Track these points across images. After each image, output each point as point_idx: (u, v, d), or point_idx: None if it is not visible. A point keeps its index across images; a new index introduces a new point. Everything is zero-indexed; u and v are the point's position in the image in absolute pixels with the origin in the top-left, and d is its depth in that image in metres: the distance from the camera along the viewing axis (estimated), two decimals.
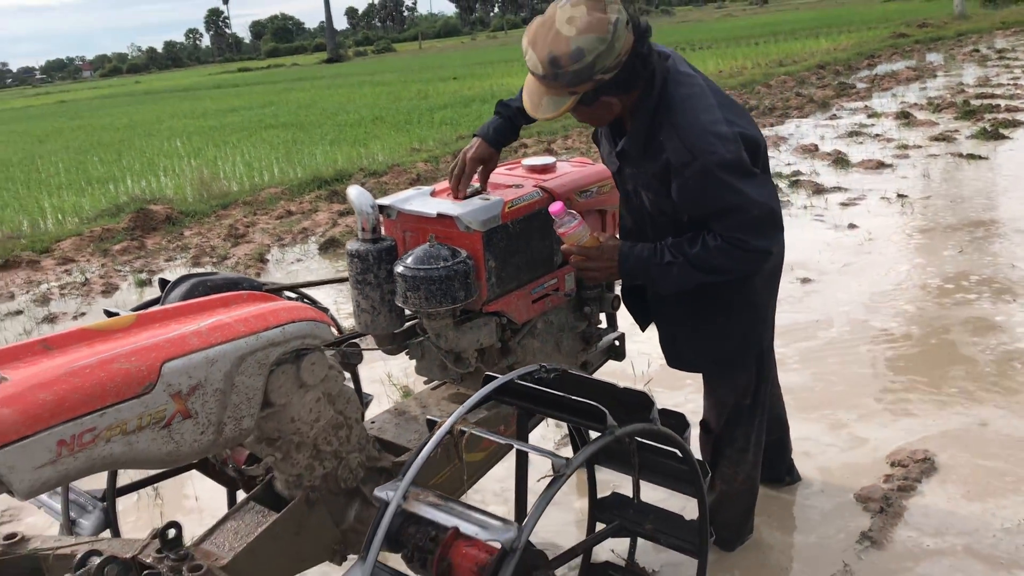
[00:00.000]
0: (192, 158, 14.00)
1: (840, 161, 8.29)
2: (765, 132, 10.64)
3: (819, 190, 7.24)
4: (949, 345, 4.02)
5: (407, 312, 2.55)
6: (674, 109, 2.24)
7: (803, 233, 6.09)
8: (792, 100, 13.20)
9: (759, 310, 2.56)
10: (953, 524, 2.70)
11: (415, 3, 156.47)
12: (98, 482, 3.05)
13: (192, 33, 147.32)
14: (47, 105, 45.79)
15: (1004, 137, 8.71)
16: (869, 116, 11.03)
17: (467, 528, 1.80)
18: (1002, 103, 10.76)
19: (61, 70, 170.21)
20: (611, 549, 2.67)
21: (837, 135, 9.92)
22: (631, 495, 2.49)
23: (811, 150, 9.04)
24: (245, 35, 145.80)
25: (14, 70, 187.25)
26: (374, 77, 32.34)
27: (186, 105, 28.87)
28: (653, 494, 2.38)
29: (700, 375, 2.72)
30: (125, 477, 2.77)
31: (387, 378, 4.17)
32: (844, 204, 6.75)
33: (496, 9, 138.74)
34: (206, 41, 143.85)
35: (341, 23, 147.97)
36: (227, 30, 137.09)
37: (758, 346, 2.58)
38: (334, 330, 2.36)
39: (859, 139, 9.49)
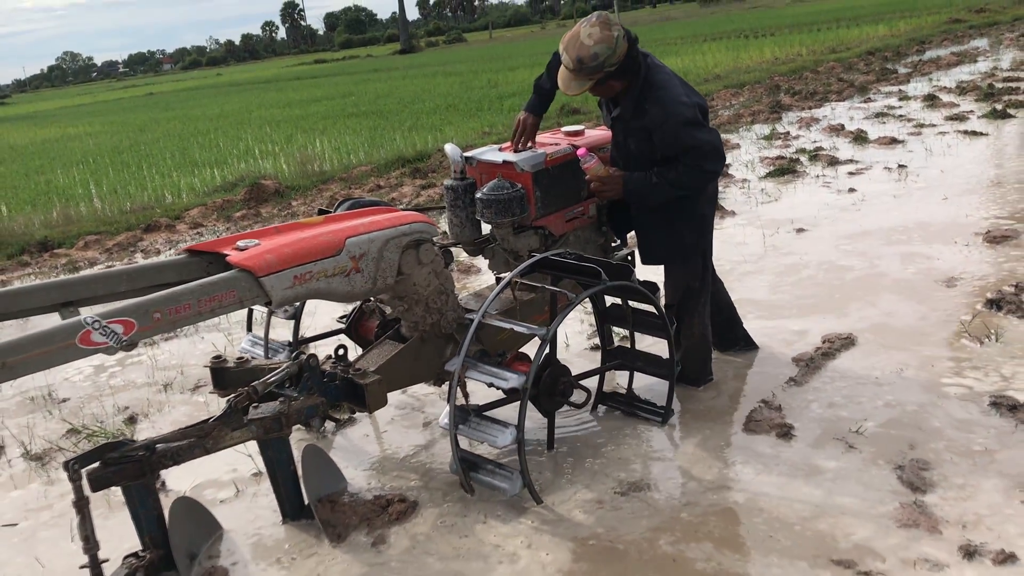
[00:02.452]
0: (285, 143, 15.55)
1: (859, 138, 9.41)
2: (801, 115, 11.75)
3: (833, 162, 8.40)
4: (888, 271, 5.22)
5: (483, 227, 3.90)
6: (654, 87, 3.58)
7: (809, 196, 7.29)
8: (834, 85, 14.22)
9: (704, 220, 3.85)
10: (849, 372, 3.95)
11: None
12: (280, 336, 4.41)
13: (268, 26, 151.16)
14: (137, 97, 48.35)
15: (1010, 116, 9.71)
16: (900, 99, 12.04)
17: (519, 328, 3.15)
18: (1023, 86, 11.69)
19: (143, 63, 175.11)
20: (617, 383, 3.98)
21: (865, 116, 10.99)
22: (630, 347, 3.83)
23: (837, 129, 10.16)
24: (319, 27, 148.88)
25: (99, 64, 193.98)
26: (446, 67, 33.79)
27: (270, 96, 30.67)
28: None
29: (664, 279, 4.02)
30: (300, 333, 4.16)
31: None
32: (851, 173, 7.91)
33: None
34: (281, 33, 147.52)
35: (412, 13, 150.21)
36: (302, 22, 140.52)
37: (703, 244, 3.87)
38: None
39: (883, 120, 10.55)
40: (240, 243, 3.09)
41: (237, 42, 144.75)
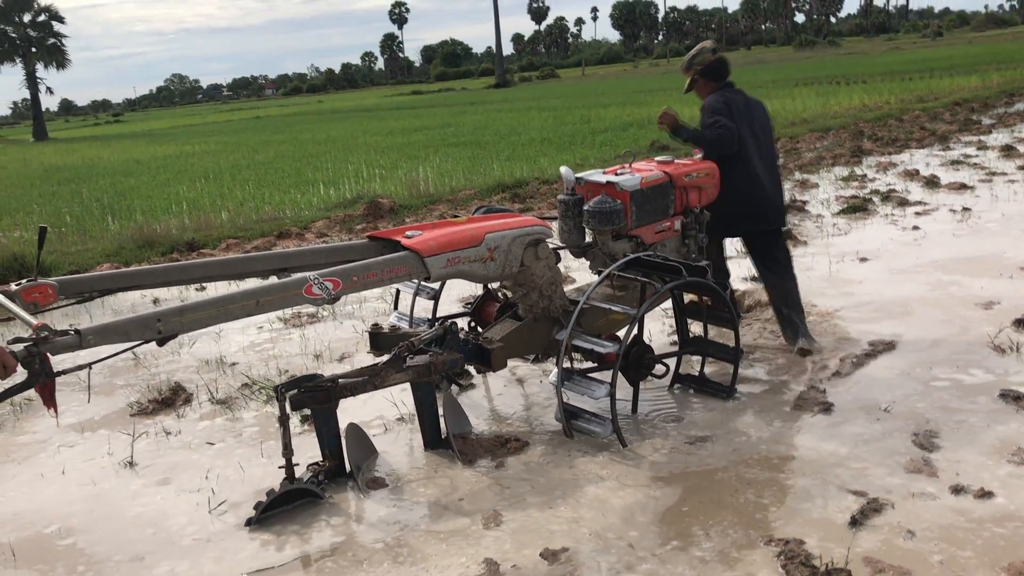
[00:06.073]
0: (391, 168, 16.74)
1: (931, 183, 10.10)
2: (880, 159, 12.44)
3: (903, 203, 9.12)
4: (932, 294, 6.00)
5: (587, 233, 4.83)
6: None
7: (876, 232, 8.05)
8: (916, 133, 14.83)
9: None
10: (887, 369, 4.76)
11: (580, 30, 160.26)
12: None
13: (368, 56, 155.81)
14: (245, 120, 50.80)
15: None
16: (978, 148, 12.63)
17: (614, 307, 4.06)
18: None
19: (246, 88, 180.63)
20: (691, 367, 4.84)
21: (941, 163, 11.64)
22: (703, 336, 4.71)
23: (912, 174, 10.84)
24: (416, 59, 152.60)
25: (204, 86, 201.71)
26: (540, 102, 35.00)
27: (373, 124, 32.21)
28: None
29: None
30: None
31: None
32: (918, 213, 8.63)
33: (660, 37, 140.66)
34: (380, 64, 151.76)
35: (507, 48, 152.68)
36: (400, 54, 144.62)
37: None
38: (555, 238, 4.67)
39: (958, 167, 11.19)
40: (408, 232, 4.10)
41: (337, 71, 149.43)
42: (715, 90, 5.24)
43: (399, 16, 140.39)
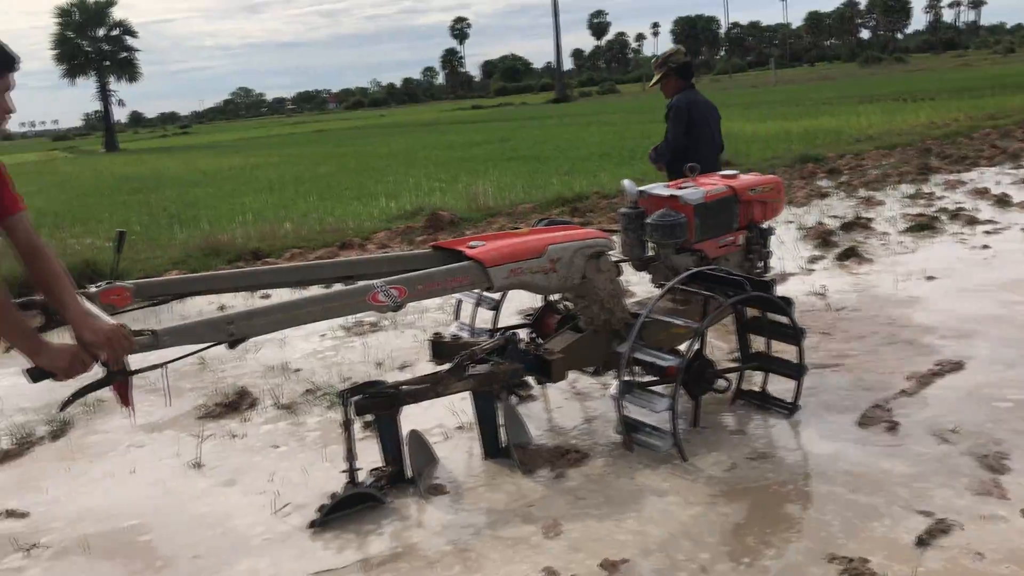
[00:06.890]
0: (451, 181, 16.87)
1: (1002, 201, 9.87)
2: (948, 177, 12.21)
3: (972, 221, 8.93)
4: (1002, 313, 5.87)
5: (649, 247, 4.83)
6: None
7: (944, 251, 7.90)
8: (986, 151, 14.51)
9: None
10: (954, 389, 4.67)
11: (640, 45, 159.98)
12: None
13: (429, 71, 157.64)
14: (307, 134, 51.66)
15: None
16: None
17: (677, 320, 4.05)
18: None
19: (309, 101, 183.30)
20: (754, 383, 4.80)
21: (1012, 181, 11.37)
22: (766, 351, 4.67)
23: (982, 192, 10.61)
24: (476, 74, 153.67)
25: (268, 100, 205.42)
26: (600, 117, 34.99)
27: (433, 138, 32.53)
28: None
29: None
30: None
31: None
32: (988, 232, 8.44)
33: (722, 52, 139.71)
34: (440, 79, 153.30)
35: (567, 63, 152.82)
36: (461, 69, 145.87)
37: None
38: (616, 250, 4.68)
39: None
40: (472, 243, 4.14)
41: (398, 85, 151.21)
42: (681, 88, 6.08)
43: (460, 31, 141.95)
